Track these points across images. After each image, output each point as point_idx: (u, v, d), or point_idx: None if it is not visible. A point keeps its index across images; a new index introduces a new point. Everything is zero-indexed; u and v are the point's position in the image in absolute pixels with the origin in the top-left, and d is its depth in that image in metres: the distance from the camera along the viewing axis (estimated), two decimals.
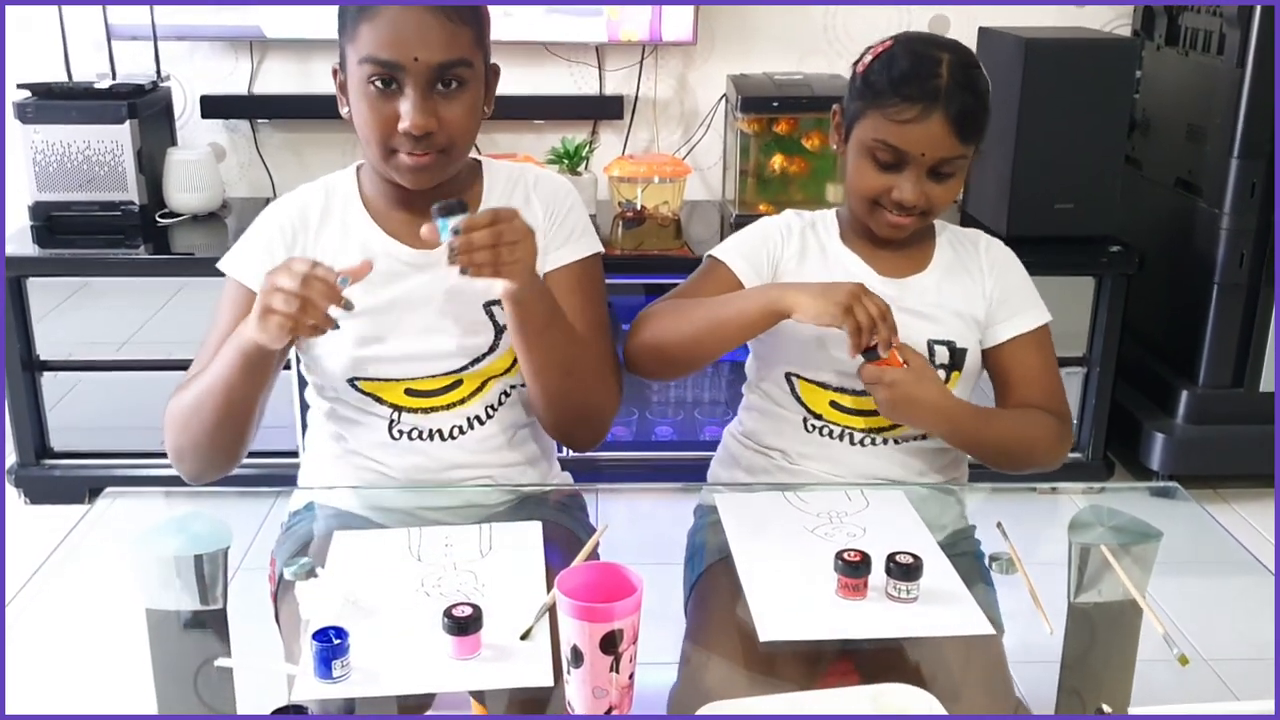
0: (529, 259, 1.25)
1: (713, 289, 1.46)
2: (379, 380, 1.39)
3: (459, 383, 1.41)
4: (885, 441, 1.45)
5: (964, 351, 1.45)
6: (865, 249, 1.48)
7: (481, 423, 1.43)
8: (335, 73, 1.36)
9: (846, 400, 1.45)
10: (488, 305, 1.40)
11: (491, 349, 1.40)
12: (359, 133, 1.34)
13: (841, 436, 1.46)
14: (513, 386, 1.44)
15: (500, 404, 1.44)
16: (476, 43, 1.32)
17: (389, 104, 1.29)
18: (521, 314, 1.30)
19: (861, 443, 1.45)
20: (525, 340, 1.33)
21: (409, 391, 1.40)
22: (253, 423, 1.34)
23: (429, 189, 1.34)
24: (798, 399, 1.47)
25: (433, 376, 1.39)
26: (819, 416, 1.46)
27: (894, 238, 1.44)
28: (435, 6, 1.27)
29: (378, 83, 1.28)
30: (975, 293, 1.48)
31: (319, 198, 1.42)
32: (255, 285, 1.32)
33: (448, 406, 1.41)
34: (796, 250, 1.48)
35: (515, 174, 1.47)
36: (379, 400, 1.40)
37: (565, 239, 1.45)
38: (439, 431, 1.41)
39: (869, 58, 1.41)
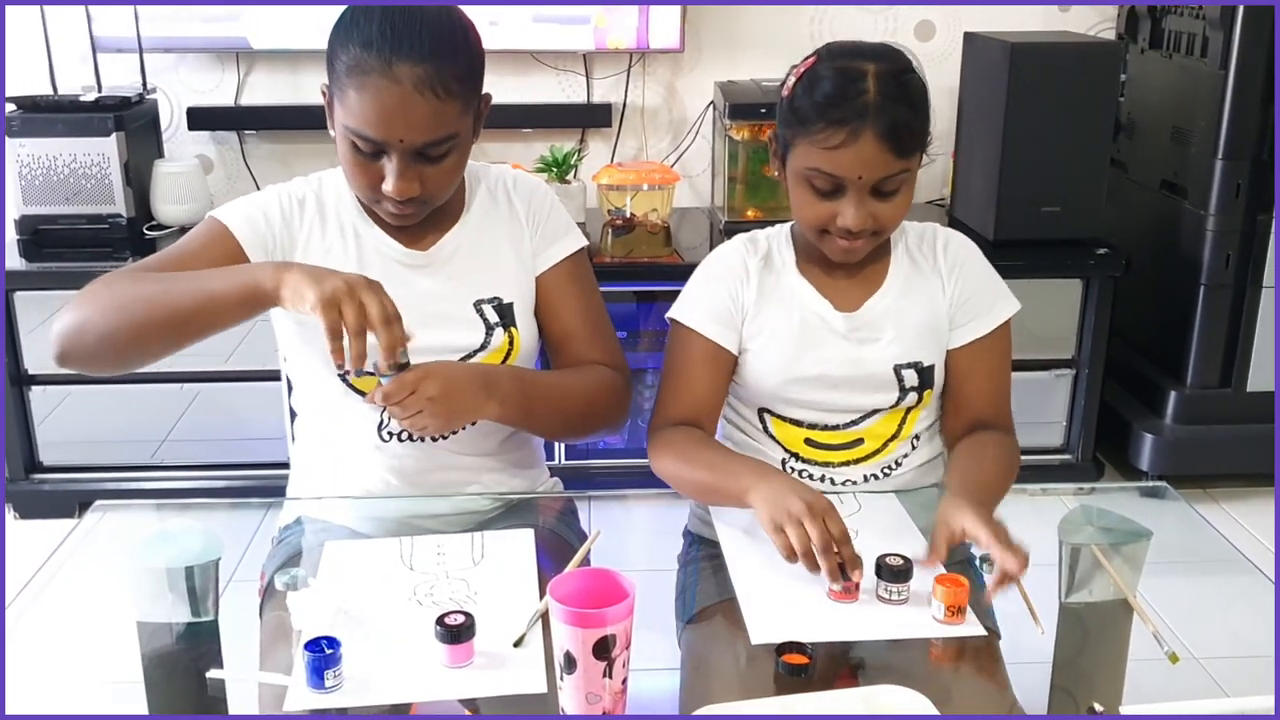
0: (445, 412, 1.27)
1: (698, 369, 1.42)
2: (370, 375, 1.39)
3: None
4: (866, 479, 1.44)
5: (931, 369, 1.41)
6: (820, 277, 1.43)
7: (473, 422, 1.42)
8: (324, 91, 1.34)
9: (822, 436, 1.43)
10: (477, 303, 1.41)
11: (482, 346, 1.41)
12: (345, 176, 1.35)
13: (822, 480, 1.44)
14: None
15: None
16: (465, 108, 1.30)
17: (373, 165, 1.30)
18: (502, 421, 1.38)
19: (845, 484, 1.44)
20: (520, 427, 1.43)
21: None
22: (184, 346, 1.28)
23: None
24: (772, 438, 1.45)
25: None
26: (795, 455, 1.44)
27: (849, 261, 1.39)
28: (424, 85, 1.24)
29: (362, 148, 1.28)
30: (938, 299, 1.42)
31: (314, 188, 1.43)
32: (237, 231, 1.35)
33: None
34: (754, 295, 1.43)
35: (493, 179, 1.49)
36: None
37: (552, 239, 1.47)
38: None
39: (792, 80, 1.34)
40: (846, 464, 1.44)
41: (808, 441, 1.44)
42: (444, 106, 1.26)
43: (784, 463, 1.45)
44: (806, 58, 1.36)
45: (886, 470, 1.45)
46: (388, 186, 1.29)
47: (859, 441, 1.43)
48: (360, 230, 1.41)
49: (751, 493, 1.24)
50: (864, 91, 1.27)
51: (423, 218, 1.37)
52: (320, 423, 1.46)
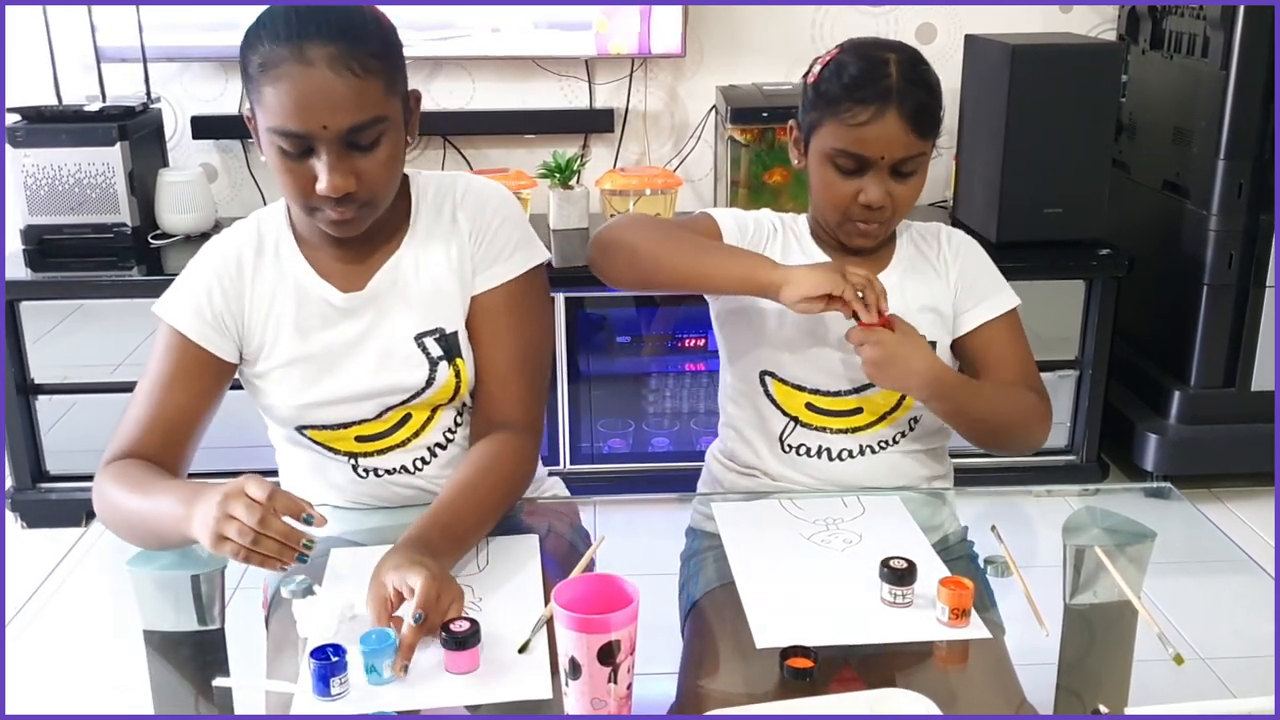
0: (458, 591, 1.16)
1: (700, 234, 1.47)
2: (326, 428, 1.38)
3: (408, 417, 1.39)
4: (863, 451, 1.46)
5: (933, 345, 1.44)
6: (833, 251, 1.48)
7: (443, 448, 1.41)
8: (247, 117, 1.29)
9: (822, 401, 1.45)
10: (419, 337, 1.36)
11: (429, 382, 1.37)
12: (278, 188, 1.28)
13: (819, 453, 1.46)
14: (464, 407, 1.42)
15: (457, 425, 1.42)
16: (389, 89, 1.24)
17: (303, 167, 1.23)
18: None
19: (840, 456, 1.46)
20: None
21: (359, 438, 1.39)
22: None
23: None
24: (773, 402, 1.47)
25: (378, 418, 1.38)
26: (796, 420, 1.46)
27: (864, 247, 1.44)
28: (338, 61, 1.18)
29: (289, 149, 1.22)
30: (939, 285, 1.48)
31: (252, 238, 1.37)
32: (191, 332, 1.32)
33: (403, 443, 1.40)
34: (780, 246, 1.48)
35: (444, 187, 1.41)
36: (334, 451, 1.40)
37: (494, 258, 1.38)
38: (403, 467, 1.40)
39: (818, 68, 1.41)
40: (844, 431, 1.45)
41: (809, 406, 1.46)
42: (364, 85, 1.20)
43: (781, 440, 1.47)
44: (830, 50, 1.43)
45: (883, 444, 1.46)
46: (321, 185, 1.22)
47: (858, 410, 1.45)
48: (300, 278, 1.36)
49: (773, 277, 1.32)
50: (888, 75, 1.35)
51: (365, 226, 1.30)
52: (296, 461, 1.45)
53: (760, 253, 1.43)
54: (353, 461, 1.40)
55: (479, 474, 1.31)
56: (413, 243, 1.38)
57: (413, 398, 1.37)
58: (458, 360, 1.37)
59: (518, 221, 1.41)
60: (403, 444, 1.40)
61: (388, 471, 1.40)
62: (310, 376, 1.35)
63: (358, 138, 1.22)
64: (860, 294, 1.31)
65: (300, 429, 1.38)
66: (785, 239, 1.50)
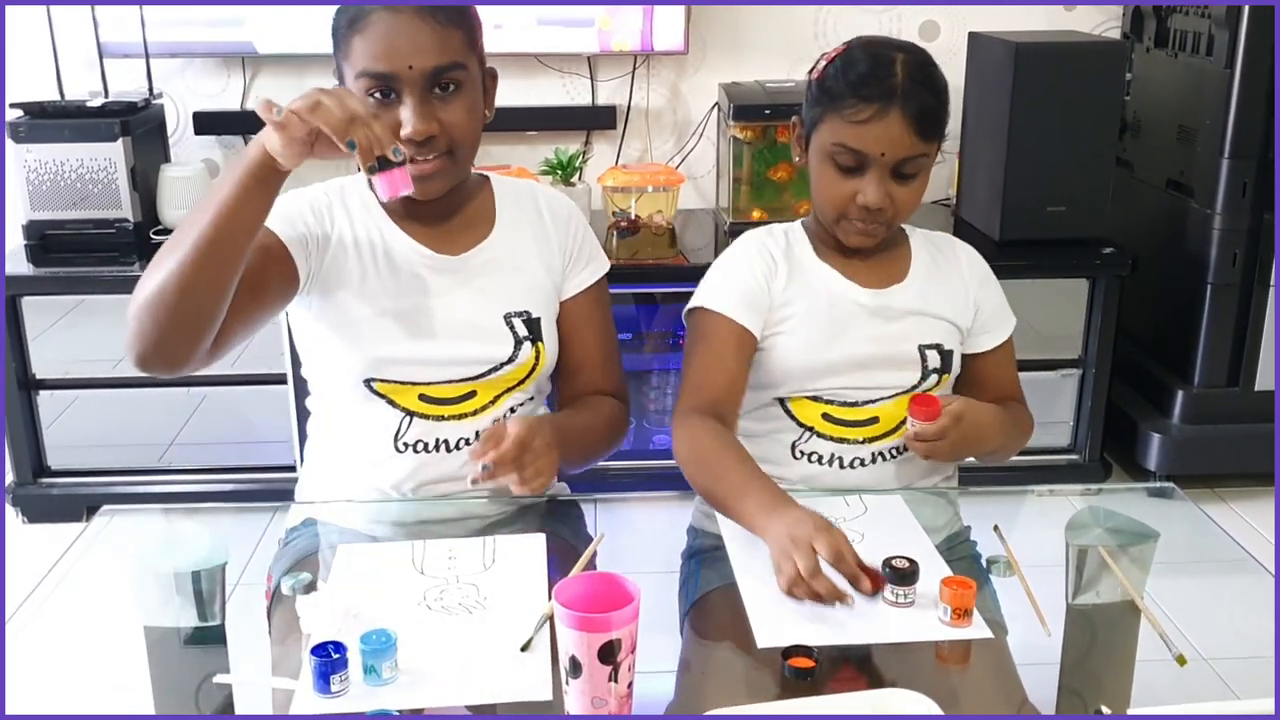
0: (551, 471, 1.29)
1: (725, 352, 1.42)
2: (395, 383, 1.39)
3: (473, 393, 1.42)
4: (874, 459, 1.45)
5: (951, 354, 1.46)
6: (839, 261, 1.47)
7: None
8: None
9: (839, 411, 1.45)
10: (507, 316, 1.42)
11: (510, 359, 1.42)
12: None
13: (831, 461, 1.45)
14: (522, 402, 1.46)
15: (506, 418, 1.44)
16: (469, 46, 1.34)
17: (389, 114, 1.31)
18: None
19: (852, 464, 1.45)
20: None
21: (423, 397, 1.40)
22: (230, 283, 1.21)
23: (440, 197, 1.38)
24: (789, 414, 1.46)
25: (449, 383, 1.40)
26: (811, 429, 1.45)
27: (863, 246, 1.44)
28: (424, 10, 1.29)
29: (376, 95, 1.31)
30: (960, 299, 1.48)
31: (337, 196, 1.43)
32: (280, 231, 1.34)
33: (459, 417, 1.42)
34: (784, 280, 1.45)
35: (523, 191, 1.50)
36: (392, 403, 1.40)
37: (584, 264, 1.49)
38: (444, 442, 1.41)
39: (824, 63, 1.41)
40: (859, 442, 1.45)
41: (825, 416, 1.45)
42: (447, 32, 1.30)
43: (794, 446, 1.46)
44: (837, 46, 1.42)
45: (895, 451, 1.46)
46: (405, 129, 1.29)
47: (874, 420, 1.45)
48: (387, 235, 1.41)
49: (766, 533, 1.23)
50: (893, 74, 1.34)
51: (446, 186, 1.37)
52: (336, 427, 1.46)
53: (770, 298, 1.44)
54: (400, 425, 1.40)
55: (585, 407, 1.48)
56: (502, 228, 1.46)
57: (490, 371, 1.41)
58: (540, 344, 1.44)
59: (590, 229, 1.53)
60: (459, 417, 1.42)
61: (427, 449, 1.41)
62: (397, 330, 1.38)
63: (440, 79, 1.31)
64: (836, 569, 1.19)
65: (369, 380, 1.39)
66: (789, 271, 1.46)
